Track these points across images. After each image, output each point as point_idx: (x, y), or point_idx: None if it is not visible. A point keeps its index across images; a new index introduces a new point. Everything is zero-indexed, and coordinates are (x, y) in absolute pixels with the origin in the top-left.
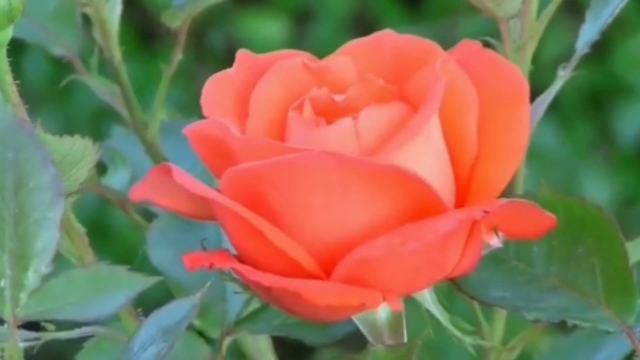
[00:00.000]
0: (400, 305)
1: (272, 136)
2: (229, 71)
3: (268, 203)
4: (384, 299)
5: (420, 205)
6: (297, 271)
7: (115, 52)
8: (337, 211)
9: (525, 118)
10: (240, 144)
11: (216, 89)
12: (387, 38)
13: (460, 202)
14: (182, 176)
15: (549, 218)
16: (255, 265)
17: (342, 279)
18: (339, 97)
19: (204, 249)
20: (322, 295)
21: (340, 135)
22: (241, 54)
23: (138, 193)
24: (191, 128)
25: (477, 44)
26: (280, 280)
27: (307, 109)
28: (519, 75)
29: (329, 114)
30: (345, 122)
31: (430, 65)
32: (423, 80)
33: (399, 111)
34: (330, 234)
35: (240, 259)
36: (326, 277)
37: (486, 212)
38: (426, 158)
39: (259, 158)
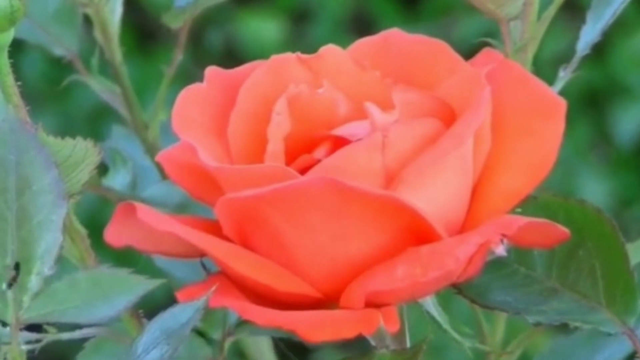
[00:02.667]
0: (397, 327)
1: (258, 136)
2: (200, 86)
3: (269, 224)
4: (383, 320)
5: (419, 231)
6: (290, 294)
7: (116, 52)
8: (337, 234)
9: (559, 134)
10: (214, 170)
11: (188, 103)
12: (395, 37)
13: (472, 200)
14: (148, 213)
15: (563, 232)
16: (250, 288)
17: (352, 305)
18: (320, 91)
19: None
20: (317, 332)
21: (365, 150)
22: (210, 70)
23: (115, 238)
24: (164, 155)
25: (499, 55)
26: (274, 319)
27: (281, 107)
28: (551, 91)
29: (311, 109)
30: (373, 137)
31: (466, 71)
32: (460, 87)
33: (429, 126)
34: (332, 254)
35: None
36: (324, 296)
37: (504, 235)
38: (456, 170)
39: (236, 182)
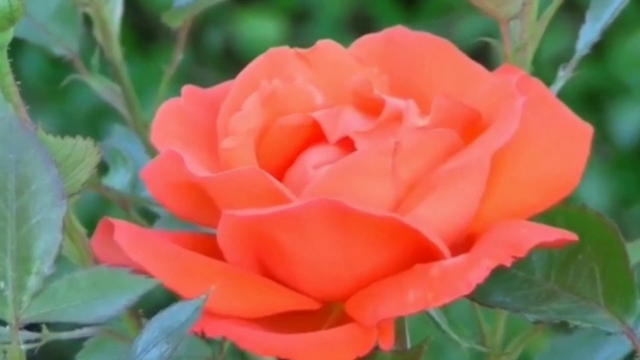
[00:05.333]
0: (391, 345)
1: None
2: (178, 100)
3: (272, 240)
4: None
5: (422, 247)
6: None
7: (116, 52)
8: (339, 250)
9: (584, 159)
10: (200, 180)
11: (167, 118)
12: (398, 34)
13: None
14: (124, 235)
15: (572, 238)
16: None
17: (361, 322)
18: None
19: None
20: (313, 357)
21: (376, 154)
22: (186, 88)
23: (106, 257)
24: (147, 171)
25: (519, 70)
26: (271, 348)
27: (251, 103)
28: (575, 116)
29: (289, 103)
30: (385, 144)
31: (495, 81)
32: (488, 96)
33: (444, 136)
34: (335, 268)
35: None
36: (324, 303)
37: (515, 257)
38: (477, 178)
39: (222, 190)
